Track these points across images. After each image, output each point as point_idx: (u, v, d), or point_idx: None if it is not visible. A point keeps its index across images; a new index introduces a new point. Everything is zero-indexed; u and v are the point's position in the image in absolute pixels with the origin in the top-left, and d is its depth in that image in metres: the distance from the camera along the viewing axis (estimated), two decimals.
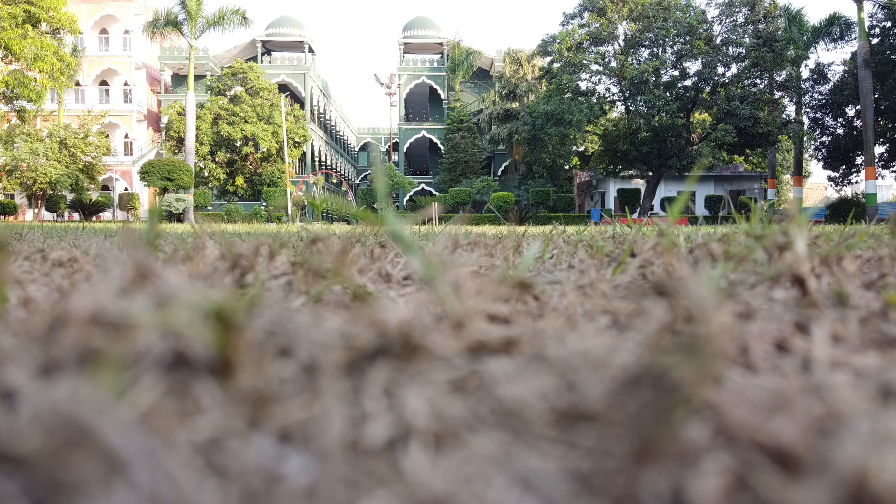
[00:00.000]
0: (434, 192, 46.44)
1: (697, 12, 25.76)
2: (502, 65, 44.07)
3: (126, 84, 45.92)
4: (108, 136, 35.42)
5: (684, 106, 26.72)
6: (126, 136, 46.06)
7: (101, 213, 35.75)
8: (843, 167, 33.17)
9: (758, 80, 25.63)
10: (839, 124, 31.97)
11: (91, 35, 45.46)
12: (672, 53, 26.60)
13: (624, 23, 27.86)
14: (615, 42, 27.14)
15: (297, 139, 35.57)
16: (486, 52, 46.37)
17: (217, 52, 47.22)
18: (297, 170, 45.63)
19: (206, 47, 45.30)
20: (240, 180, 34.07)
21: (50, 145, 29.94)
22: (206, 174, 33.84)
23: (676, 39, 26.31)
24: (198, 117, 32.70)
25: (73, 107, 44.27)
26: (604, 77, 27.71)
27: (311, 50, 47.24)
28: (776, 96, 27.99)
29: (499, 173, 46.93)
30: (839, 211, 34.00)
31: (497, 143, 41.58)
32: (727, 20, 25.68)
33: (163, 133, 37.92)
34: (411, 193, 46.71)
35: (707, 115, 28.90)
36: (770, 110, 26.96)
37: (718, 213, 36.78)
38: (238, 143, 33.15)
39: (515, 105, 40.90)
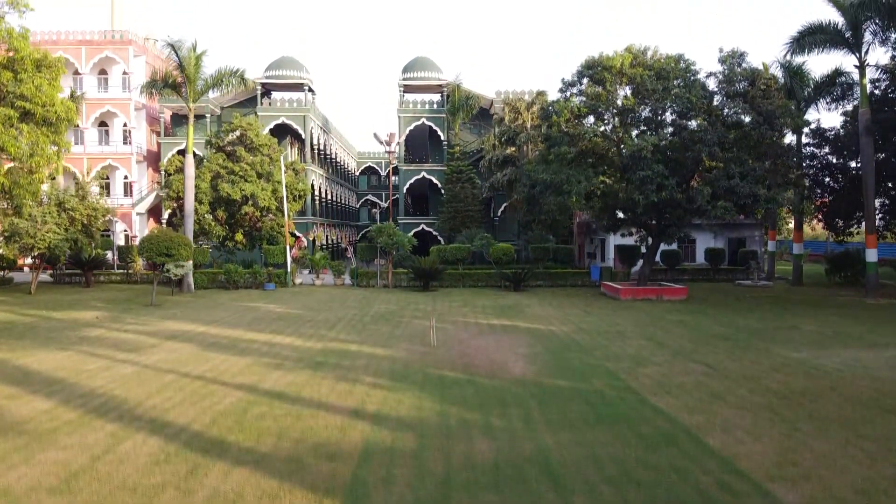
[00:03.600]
0: (434, 233, 46.39)
1: (697, 87, 25.60)
2: (501, 106, 44.06)
3: (125, 125, 45.93)
4: (107, 193, 35.25)
5: (683, 178, 26.60)
6: (125, 178, 46.06)
7: (100, 267, 35.66)
8: (844, 221, 33.04)
9: (756, 158, 25.39)
10: (839, 183, 31.83)
11: (90, 77, 45.46)
12: (671, 123, 26.45)
13: (624, 91, 27.68)
14: (613, 110, 26.96)
15: (297, 193, 35.51)
16: (485, 94, 46.37)
17: (216, 94, 47.08)
18: (298, 211, 45.51)
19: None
20: (239, 236, 33.99)
21: (49, 209, 29.89)
22: (206, 229, 33.77)
23: (674, 109, 26.15)
24: (197, 176, 32.63)
25: (73, 149, 44.23)
26: (602, 142, 27.53)
27: (310, 90, 47.15)
28: (777, 158, 27.70)
29: (499, 213, 46.86)
30: (840, 265, 33.96)
31: (497, 188, 41.56)
32: (727, 91, 25.49)
33: (163, 191, 37.81)
34: (412, 233, 46.63)
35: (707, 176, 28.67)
36: (770, 175, 26.76)
37: (719, 265, 36.57)
38: (237, 201, 33.06)
39: (514, 150, 40.82)
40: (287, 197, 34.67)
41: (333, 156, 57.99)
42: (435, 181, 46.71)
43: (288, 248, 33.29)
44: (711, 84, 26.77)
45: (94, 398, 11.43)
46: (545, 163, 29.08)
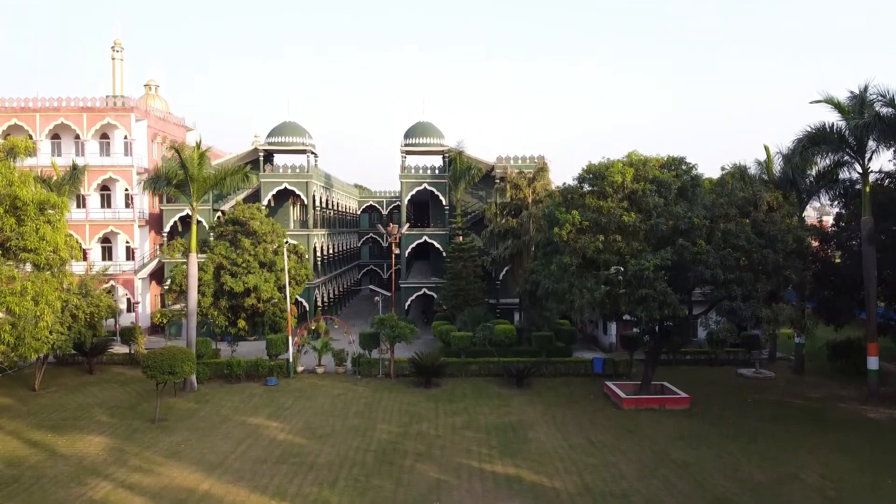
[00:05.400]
0: (434, 296, 46.41)
1: (699, 206, 25.64)
2: (502, 172, 44.13)
3: (127, 190, 45.95)
4: (111, 291, 35.30)
5: (685, 291, 26.64)
6: (127, 243, 46.08)
7: (103, 352, 35.68)
8: (844, 316, 33.01)
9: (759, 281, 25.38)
10: (840, 280, 31.77)
11: (92, 143, 45.50)
12: (671, 241, 26.26)
13: (627, 186, 27.54)
14: (615, 225, 26.84)
15: (299, 279, 35.58)
16: (487, 160, 46.48)
17: (216, 161, 47.20)
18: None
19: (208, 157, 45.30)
20: (241, 322, 34.08)
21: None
22: (210, 319, 33.89)
23: (677, 228, 25.99)
24: (200, 268, 32.68)
25: (75, 214, 44.24)
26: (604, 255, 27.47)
27: (313, 153, 47.24)
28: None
29: (500, 277, 46.86)
30: (841, 353, 34.00)
31: (499, 263, 41.67)
32: (728, 214, 25.54)
33: (166, 286, 37.94)
34: (412, 298, 46.81)
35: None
36: (773, 282, 26.78)
37: (721, 347, 36.45)
38: (240, 293, 33.13)
39: (516, 223, 40.84)
40: (290, 282, 34.73)
41: (335, 206, 58.13)
42: (437, 245, 46.78)
43: (290, 338, 33.35)
44: (713, 196, 26.85)
45: None
46: (546, 262, 29.12)
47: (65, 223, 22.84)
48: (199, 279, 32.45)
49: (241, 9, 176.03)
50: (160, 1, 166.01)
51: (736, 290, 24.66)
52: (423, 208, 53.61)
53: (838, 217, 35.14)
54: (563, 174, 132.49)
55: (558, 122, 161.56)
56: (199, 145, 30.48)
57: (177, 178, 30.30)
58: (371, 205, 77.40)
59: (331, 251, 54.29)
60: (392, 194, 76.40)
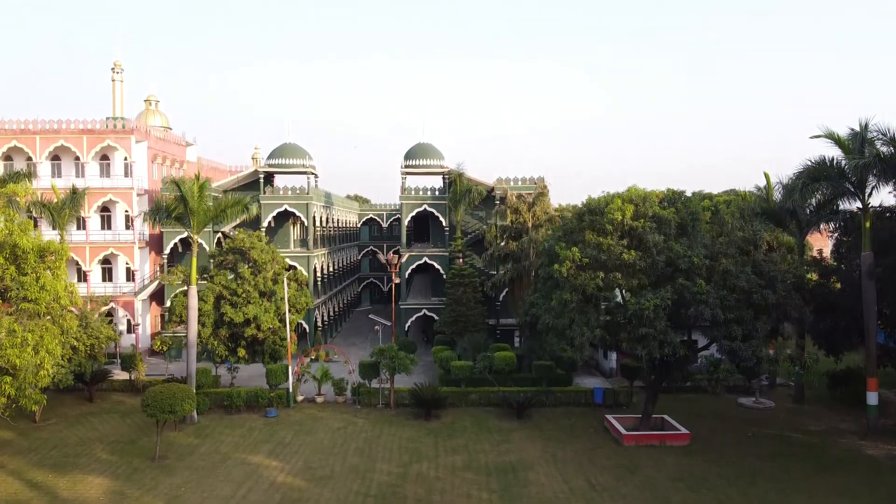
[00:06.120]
0: (434, 318, 46.43)
1: (698, 246, 25.64)
2: (502, 194, 44.24)
3: (127, 212, 45.96)
4: (111, 321, 35.33)
5: (685, 328, 26.65)
6: (127, 265, 46.09)
7: (102, 380, 35.66)
8: (844, 347, 32.95)
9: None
10: (840, 311, 31.72)
11: (92, 165, 45.51)
12: (671, 280, 26.19)
13: (623, 244, 27.27)
14: (615, 261, 26.81)
15: (298, 307, 35.59)
16: (486, 181, 46.55)
17: (217, 183, 47.25)
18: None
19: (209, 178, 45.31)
20: (241, 351, 34.08)
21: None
22: (210, 349, 33.95)
23: (677, 268, 25.91)
24: (200, 298, 32.69)
25: (75, 236, 44.34)
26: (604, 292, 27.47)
27: (314, 174, 47.29)
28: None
29: (500, 298, 46.88)
30: (841, 381, 34.04)
31: (500, 287, 41.70)
32: (728, 253, 25.55)
33: (165, 314, 37.93)
34: (412, 319, 46.86)
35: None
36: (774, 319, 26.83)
37: (719, 380, 36.49)
38: (241, 323, 33.14)
39: (516, 246, 40.86)
40: (289, 310, 34.74)
41: (335, 222, 58.16)
42: (437, 266, 46.80)
43: (290, 367, 33.37)
44: (712, 234, 26.88)
45: None
46: (546, 296, 29.12)
47: (65, 269, 22.85)
48: (199, 309, 32.45)
49: (242, 13, 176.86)
50: (159, 10, 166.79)
51: (736, 330, 24.67)
52: (423, 223, 53.61)
53: (838, 244, 35.15)
54: (564, 174, 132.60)
55: (559, 122, 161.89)
56: (198, 177, 30.46)
57: (176, 210, 30.28)
58: (371, 217, 77.42)
59: (331, 268, 54.30)
60: (392, 207, 76.46)
